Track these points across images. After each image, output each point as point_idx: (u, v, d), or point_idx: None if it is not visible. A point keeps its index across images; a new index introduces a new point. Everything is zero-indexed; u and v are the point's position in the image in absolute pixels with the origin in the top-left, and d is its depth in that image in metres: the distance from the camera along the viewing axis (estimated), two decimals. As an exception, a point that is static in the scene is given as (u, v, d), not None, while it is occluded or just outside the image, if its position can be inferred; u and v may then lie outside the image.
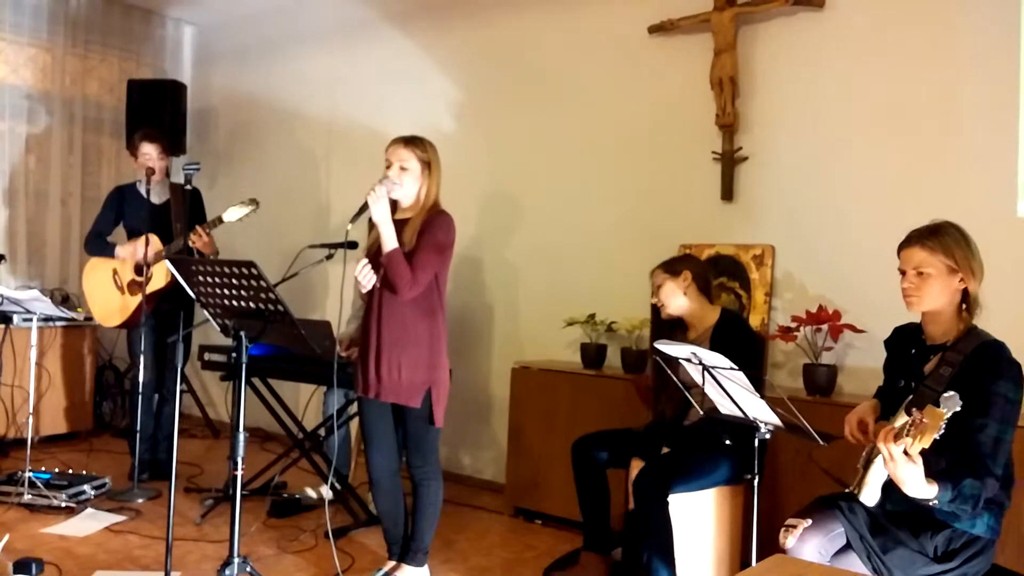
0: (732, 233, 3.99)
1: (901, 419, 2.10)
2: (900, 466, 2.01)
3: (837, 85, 3.74)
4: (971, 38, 3.42)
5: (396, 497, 3.32)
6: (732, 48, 3.91)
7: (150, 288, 4.34)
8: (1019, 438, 2.35)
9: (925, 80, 3.52)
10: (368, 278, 3.12)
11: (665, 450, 3.19)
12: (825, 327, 3.49)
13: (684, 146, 4.16)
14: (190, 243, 4.29)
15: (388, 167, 3.16)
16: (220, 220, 4.24)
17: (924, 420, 1.93)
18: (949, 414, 1.91)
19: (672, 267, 3.29)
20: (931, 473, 2.06)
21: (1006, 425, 2.21)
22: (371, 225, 3.15)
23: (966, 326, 2.35)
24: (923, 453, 1.99)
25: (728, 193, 4.00)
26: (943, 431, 1.92)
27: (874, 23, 3.66)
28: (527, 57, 4.81)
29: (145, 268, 4.30)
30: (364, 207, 3.04)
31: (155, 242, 4.39)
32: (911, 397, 2.33)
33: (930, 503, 2.11)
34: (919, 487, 2.05)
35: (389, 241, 3.05)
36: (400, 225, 3.12)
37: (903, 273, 2.39)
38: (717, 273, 3.96)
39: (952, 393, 1.93)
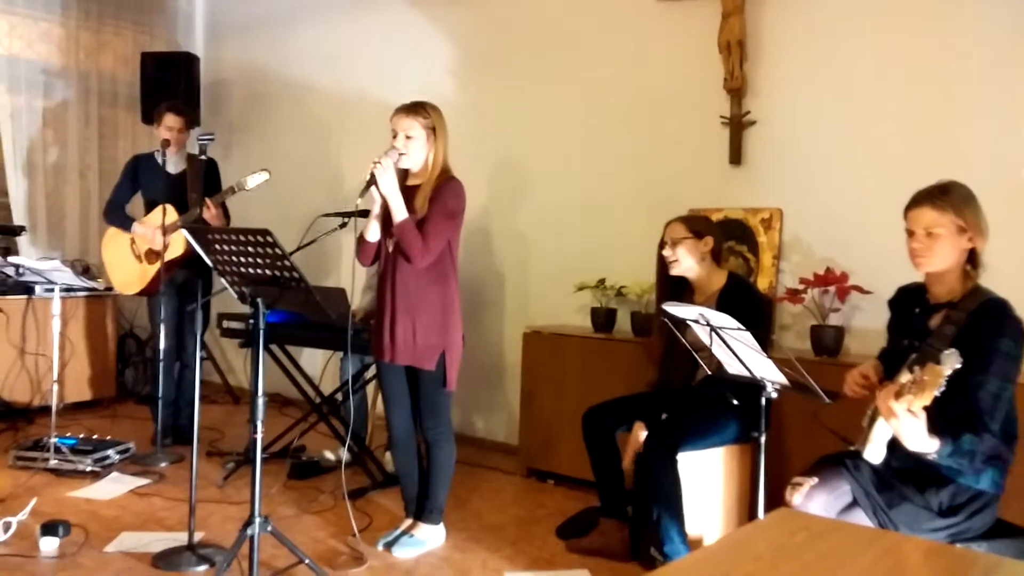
0: (740, 197, 4.01)
1: (904, 377, 2.13)
2: (902, 422, 2.04)
3: (845, 48, 3.73)
4: (979, 1, 3.40)
5: (413, 456, 3.41)
6: (740, 11, 3.90)
7: (167, 257, 4.41)
8: (1021, 393, 2.38)
9: (933, 42, 3.51)
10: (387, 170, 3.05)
11: (664, 416, 3.22)
12: (832, 289, 3.52)
13: (692, 110, 4.16)
14: (204, 217, 4.36)
15: (394, 137, 3.18)
16: (233, 189, 4.29)
17: (925, 377, 1.96)
18: (949, 371, 1.93)
19: (697, 227, 3.27)
20: (932, 427, 2.10)
21: (1006, 381, 2.23)
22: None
23: (972, 284, 2.36)
24: (925, 408, 2.02)
25: (736, 157, 4.01)
26: (944, 388, 1.94)
27: (882, -16, 3.64)
28: (535, 23, 4.80)
29: (162, 237, 4.37)
30: (371, 181, 3.05)
31: (171, 212, 4.46)
32: (915, 356, 2.35)
33: (929, 456, 2.15)
34: (920, 441, 2.09)
35: (399, 211, 3.07)
36: (412, 192, 3.15)
37: (911, 233, 2.39)
38: (726, 237, 3.98)
39: (952, 350, 1.95)
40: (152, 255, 4.58)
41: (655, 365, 3.43)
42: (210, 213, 4.36)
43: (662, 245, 3.32)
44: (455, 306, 3.25)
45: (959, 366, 1.94)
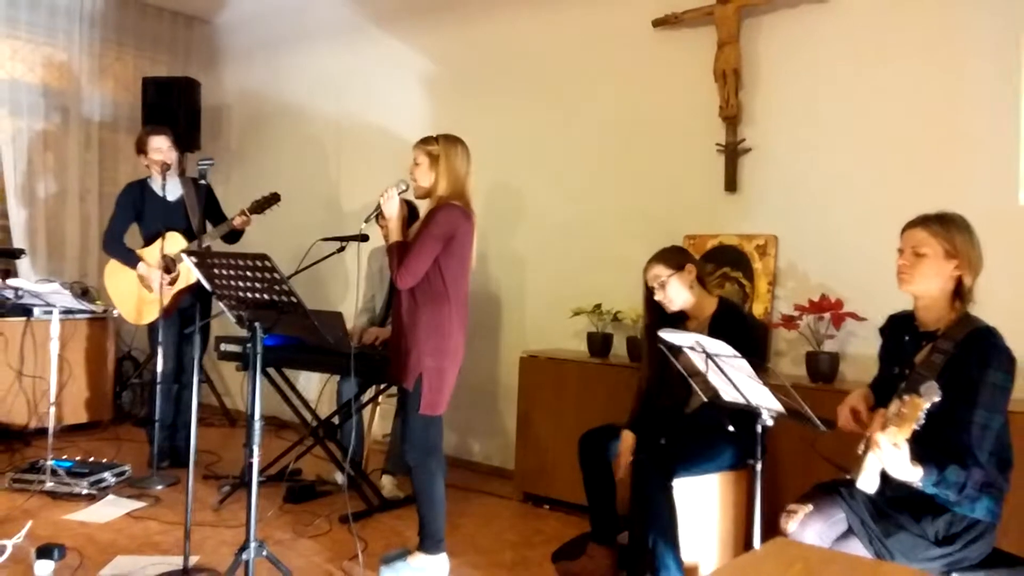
0: (735, 223, 4.04)
1: (893, 408, 2.15)
2: (884, 452, 2.06)
3: (840, 77, 3.78)
4: (973, 28, 3.45)
5: None
6: (735, 40, 3.96)
7: (180, 285, 4.42)
8: (1018, 422, 2.38)
9: (927, 71, 3.56)
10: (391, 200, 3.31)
11: (663, 441, 3.23)
12: (827, 315, 3.54)
13: (688, 138, 4.20)
14: (234, 224, 4.43)
15: None
16: (275, 198, 4.41)
17: (904, 410, 1.98)
18: (927, 404, 1.95)
19: (673, 261, 3.26)
20: (919, 456, 2.11)
21: (993, 412, 2.24)
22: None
23: (958, 315, 2.37)
24: (914, 438, 2.03)
25: (731, 184, 4.04)
26: (923, 421, 1.96)
27: (876, 15, 3.69)
28: (531, 50, 4.86)
29: (165, 268, 4.38)
30: (377, 208, 3.30)
31: (178, 239, 4.47)
32: (904, 384, 2.36)
33: (914, 485, 2.16)
34: (903, 470, 2.11)
35: (393, 234, 3.26)
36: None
37: (901, 252, 2.43)
38: (721, 263, 4.02)
39: (932, 383, 1.97)
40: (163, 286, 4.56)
41: (640, 392, 3.41)
42: (242, 219, 4.41)
43: (650, 291, 3.31)
44: (442, 331, 3.22)
45: (938, 399, 1.95)
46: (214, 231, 4.46)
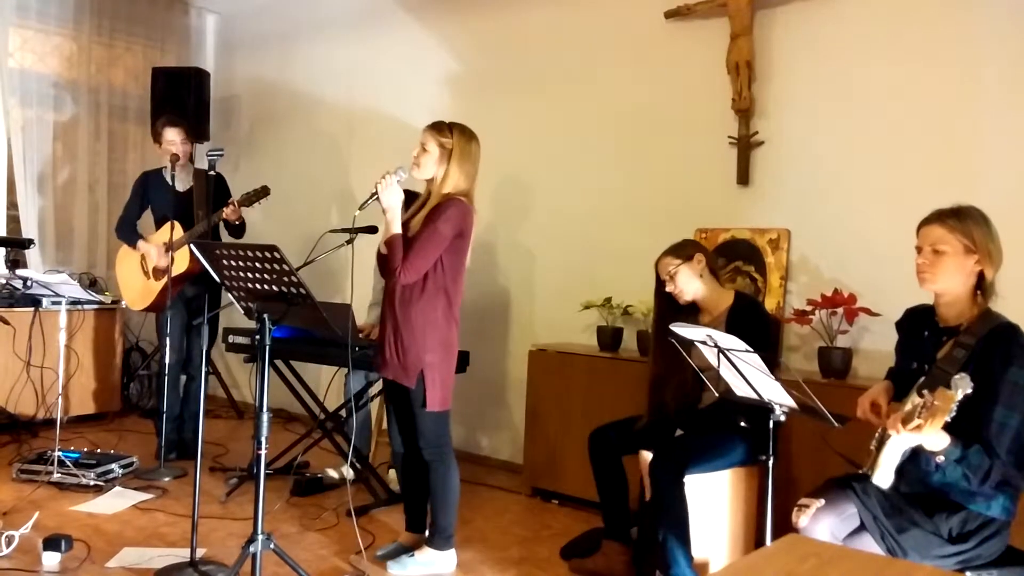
0: (748, 217, 4.01)
1: (912, 401, 2.12)
2: (914, 441, 2.08)
3: (854, 69, 3.74)
4: (988, 21, 3.41)
5: (410, 472, 3.40)
6: (749, 32, 3.92)
7: (172, 272, 4.43)
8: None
9: (942, 64, 3.51)
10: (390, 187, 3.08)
11: (679, 432, 3.21)
12: (840, 310, 3.51)
13: (700, 130, 4.17)
14: (224, 215, 4.40)
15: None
16: (265, 191, 4.35)
17: (936, 402, 1.95)
18: (960, 396, 1.92)
19: (683, 252, 3.25)
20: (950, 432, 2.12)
21: (1012, 411, 2.21)
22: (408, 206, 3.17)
23: (980, 310, 2.34)
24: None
25: (744, 177, 4.01)
26: (954, 413, 1.94)
27: (891, 8, 3.65)
28: (543, 42, 4.82)
29: (168, 254, 4.38)
30: (373, 195, 3.10)
31: (179, 229, 4.48)
32: (923, 379, 2.34)
33: (938, 457, 2.16)
34: (933, 440, 2.13)
35: (393, 227, 3.10)
36: (421, 208, 3.17)
37: (919, 250, 2.39)
38: (733, 257, 3.99)
39: (963, 375, 1.95)
40: (159, 272, 4.59)
41: (649, 388, 3.38)
42: (231, 210, 4.38)
43: (661, 284, 3.29)
44: (442, 327, 3.15)
45: (970, 390, 1.93)
46: (201, 224, 4.44)
